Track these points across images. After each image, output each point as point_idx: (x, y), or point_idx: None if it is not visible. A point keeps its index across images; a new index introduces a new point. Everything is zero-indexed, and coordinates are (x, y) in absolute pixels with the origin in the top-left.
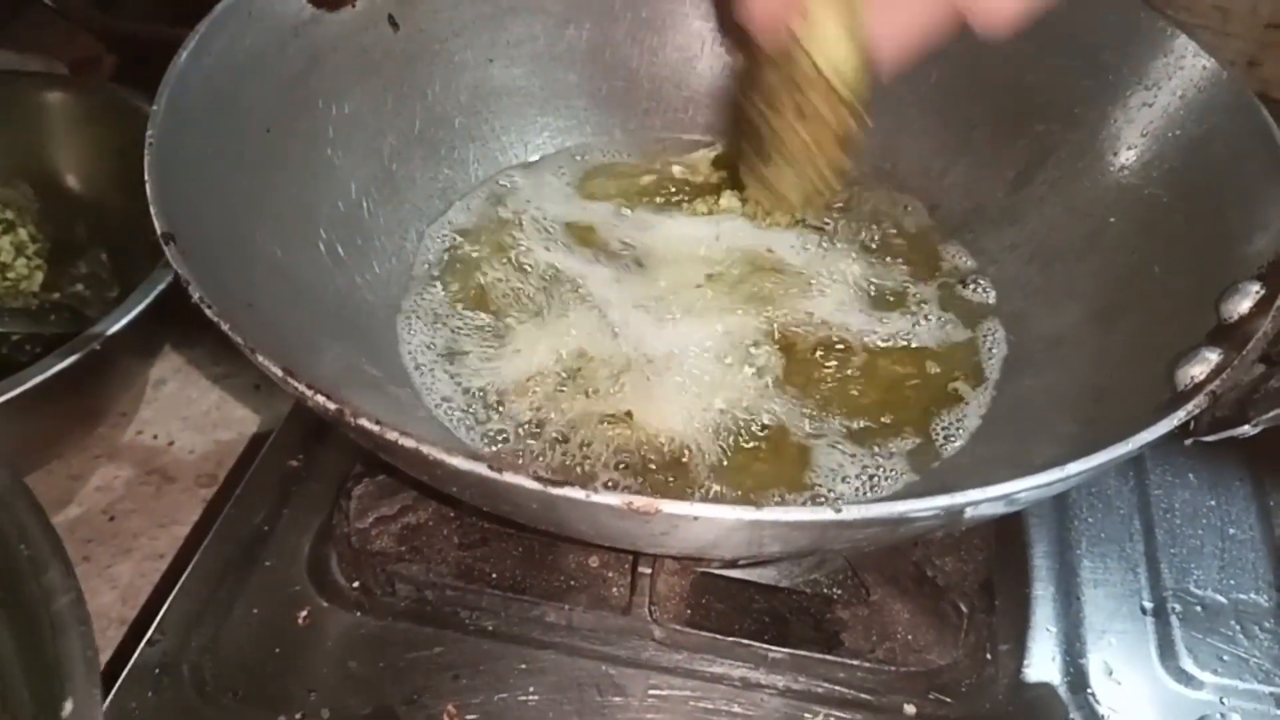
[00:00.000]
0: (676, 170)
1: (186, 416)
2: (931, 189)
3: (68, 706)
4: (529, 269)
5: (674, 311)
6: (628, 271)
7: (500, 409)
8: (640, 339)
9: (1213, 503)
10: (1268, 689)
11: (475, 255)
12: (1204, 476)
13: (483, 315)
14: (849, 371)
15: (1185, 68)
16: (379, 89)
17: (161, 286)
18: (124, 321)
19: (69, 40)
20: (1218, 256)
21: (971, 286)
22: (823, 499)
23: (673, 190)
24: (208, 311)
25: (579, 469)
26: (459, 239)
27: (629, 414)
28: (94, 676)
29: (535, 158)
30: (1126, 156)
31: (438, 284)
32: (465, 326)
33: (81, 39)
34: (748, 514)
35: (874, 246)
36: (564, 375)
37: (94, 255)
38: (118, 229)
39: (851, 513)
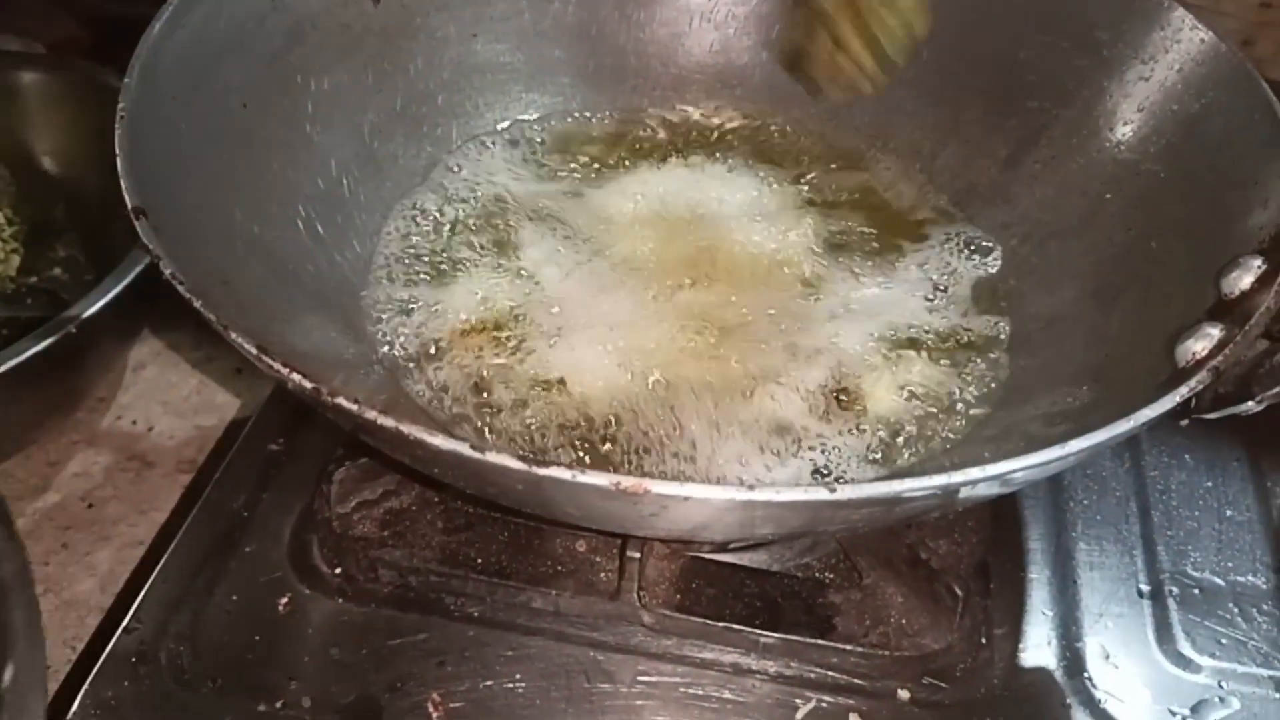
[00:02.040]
0: (642, 130)
1: (166, 401)
2: (923, 169)
3: (8, 674)
4: (489, 238)
5: (616, 275)
6: (575, 237)
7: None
8: (579, 303)
9: (1209, 484)
10: (1267, 672)
11: (443, 230)
12: (1200, 457)
13: (450, 289)
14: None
15: (1182, 41)
16: (360, 65)
17: (139, 269)
18: (100, 304)
19: (47, 21)
20: (1217, 231)
21: (963, 266)
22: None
23: (634, 150)
24: (179, 288)
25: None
26: (428, 212)
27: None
28: (37, 639)
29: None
30: (1122, 132)
31: (407, 261)
32: (430, 299)
33: (60, 21)
34: (740, 494)
35: (859, 226)
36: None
37: (71, 239)
38: (96, 212)
39: (846, 492)
